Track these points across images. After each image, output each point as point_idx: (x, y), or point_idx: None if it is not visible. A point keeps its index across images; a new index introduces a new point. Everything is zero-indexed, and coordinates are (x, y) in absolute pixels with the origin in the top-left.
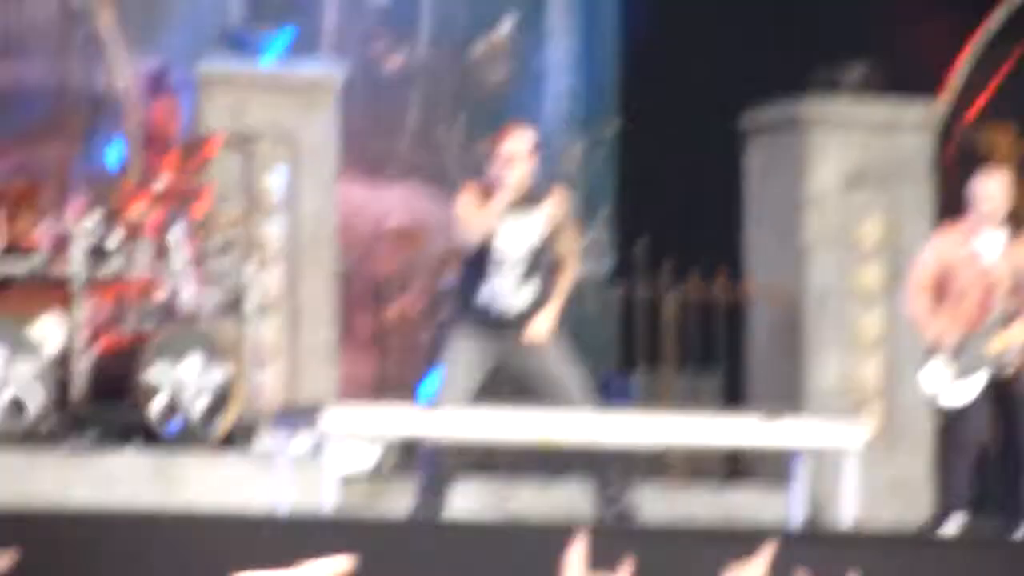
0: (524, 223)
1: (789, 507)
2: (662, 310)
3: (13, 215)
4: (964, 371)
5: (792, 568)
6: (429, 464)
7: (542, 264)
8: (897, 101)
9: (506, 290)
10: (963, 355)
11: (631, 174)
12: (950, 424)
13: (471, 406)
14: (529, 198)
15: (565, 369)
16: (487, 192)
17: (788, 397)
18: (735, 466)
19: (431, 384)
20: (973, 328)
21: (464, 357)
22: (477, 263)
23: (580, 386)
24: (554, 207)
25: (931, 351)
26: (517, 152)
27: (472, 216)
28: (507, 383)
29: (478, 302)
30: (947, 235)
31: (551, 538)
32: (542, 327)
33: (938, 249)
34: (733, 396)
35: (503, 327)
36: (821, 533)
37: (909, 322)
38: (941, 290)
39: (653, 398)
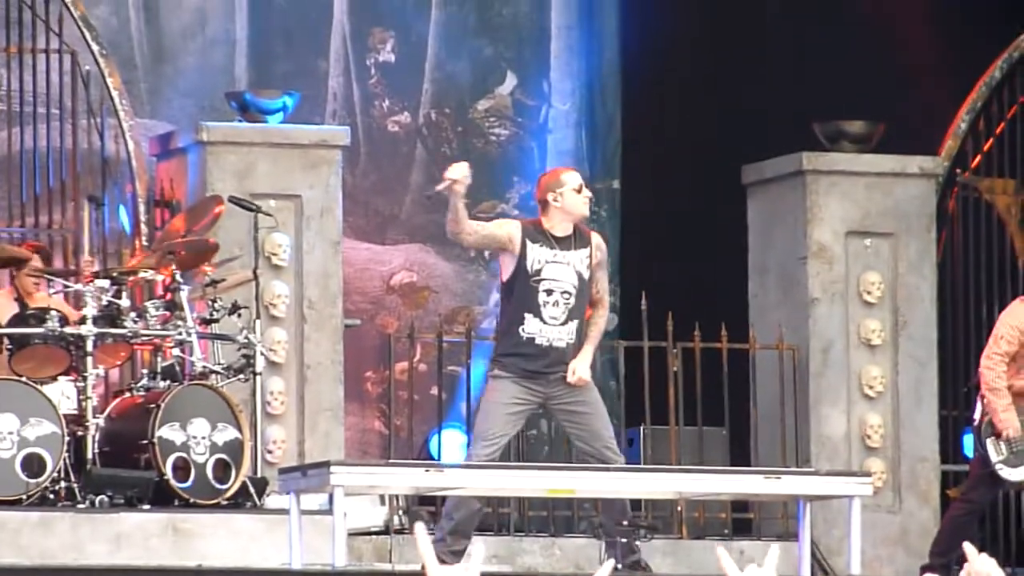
0: (573, 258)
1: (797, 558)
2: (667, 365)
3: (26, 278)
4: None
5: None
6: (452, 511)
7: (584, 302)
8: (899, 154)
9: (556, 322)
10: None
11: (634, 230)
12: (982, 484)
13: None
14: (576, 235)
15: (605, 419)
16: (536, 226)
17: (795, 448)
18: (742, 522)
19: (443, 436)
20: None
21: (505, 408)
22: (523, 295)
23: (613, 438)
24: (597, 247)
25: (995, 432)
26: (584, 186)
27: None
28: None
29: (524, 333)
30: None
31: None
32: (585, 370)
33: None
34: (740, 449)
35: (549, 361)
36: None
37: (986, 389)
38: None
39: (660, 453)
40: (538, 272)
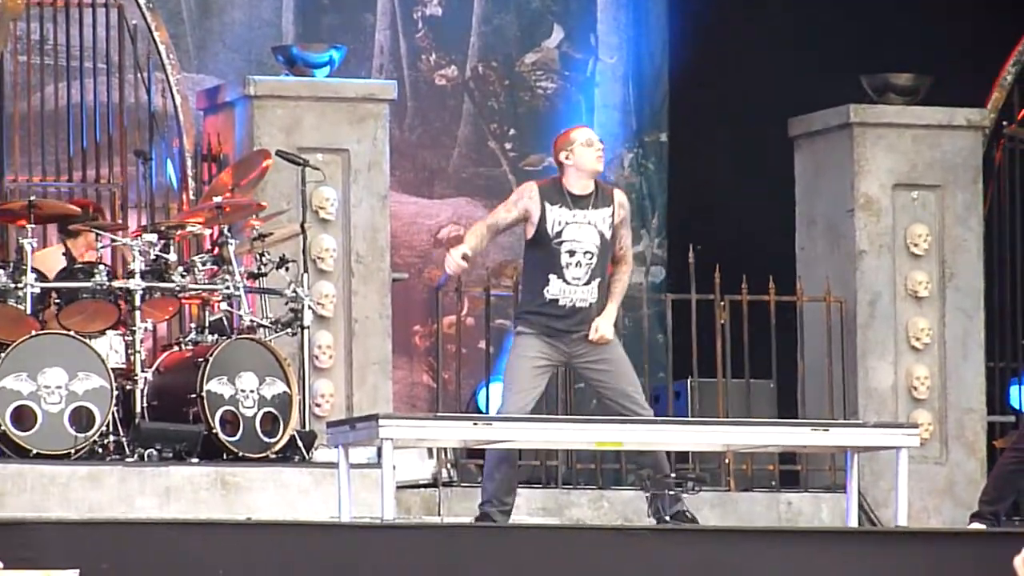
0: (594, 217)
1: (845, 509)
2: (714, 318)
3: (73, 233)
4: None
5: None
6: (494, 471)
7: (607, 261)
8: (945, 106)
9: (579, 282)
10: None
11: (681, 183)
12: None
13: (534, 409)
14: (597, 194)
15: (629, 375)
16: (555, 185)
17: (842, 400)
18: (789, 474)
19: (491, 390)
20: None
21: (531, 361)
22: (545, 256)
23: (640, 392)
24: (620, 205)
25: None
26: (594, 140)
27: (483, 223)
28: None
29: (548, 294)
30: None
31: (611, 540)
32: (608, 328)
33: None
34: (787, 401)
35: (573, 321)
36: (876, 532)
37: None
38: None
39: (708, 405)
40: (559, 234)
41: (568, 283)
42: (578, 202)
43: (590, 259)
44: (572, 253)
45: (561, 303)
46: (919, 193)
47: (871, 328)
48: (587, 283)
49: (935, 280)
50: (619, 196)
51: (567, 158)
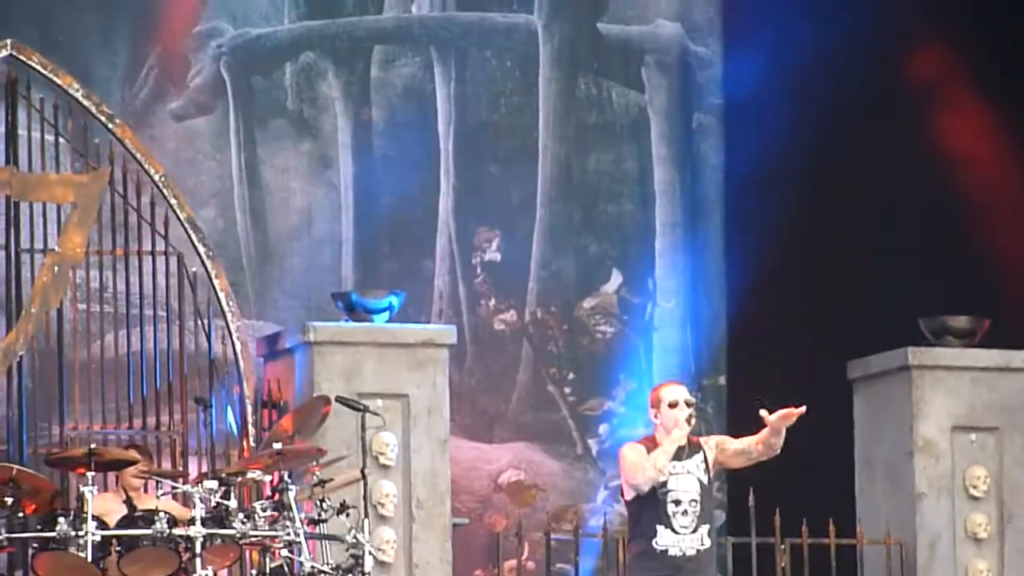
0: (690, 465)
1: None
2: (775, 561)
3: (130, 478)
4: None
5: None
6: None
7: (711, 506)
8: (1003, 348)
9: (687, 530)
10: None
11: (741, 426)
12: None
13: None
14: (687, 445)
15: None
16: (651, 444)
17: None
18: None
19: None
20: None
21: None
22: (652, 509)
23: None
24: (706, 444)
25: None
26: (684, 397)
27: (646, 462)
28: None
29: (658, 545)
30: None
31: None
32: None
33: None
34: None
35: (686, 572)
36: None
37: None
38: None
39: None
40: (664, 484)
41: (676, 532)
42: (674, 455)
43: (695, 506)
44: (678, 503)
45: (671, 553)
46: (977, 435)
47: (931, 571)
48: (695, 530)
49: (994, 522)
50: (702, 440)
51: (655, 416)
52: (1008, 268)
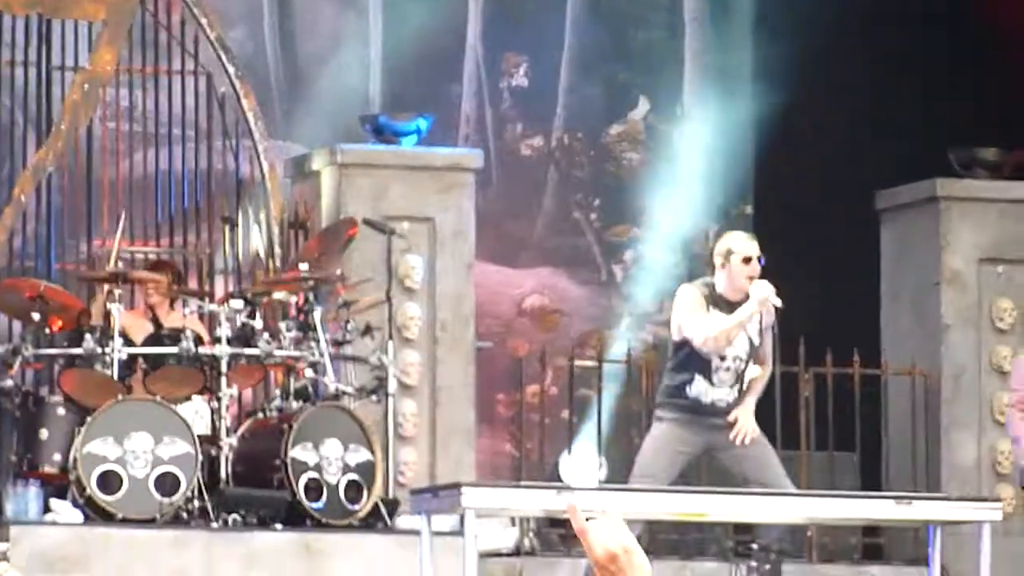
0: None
1: None
2: (798, 389)
3: (160, 300)
4: None
5: None
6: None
7: (752, 365)
8: None
9: (725, 384)
10: None
11: (766, 255)
12: None
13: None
14: (747, 299)
15: (773, 466)
16: (708, 294)
17: (925, 474)
18: (873, 546)
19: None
20: None
21: (671, 447)
22: (697, 357)
23: (786, 480)
24: (767, 311)
25: None
26: (753, 257)
27: (715, 327)
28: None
29: (690, 392)
30: None
31: None
32: (750, 423)
33: None
34: (870, 474)
35: (714, 417)
36: None
37: None
38: None
39: (791, 477)
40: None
41: (714, 384)
42: (733, 308)
43: (739, 364)
44: (723, 358)
45: (703, 400)
46: (1004, 267)
47: (955, 402)
48: (732, 386)
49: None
50: (766, 302)
51: (723, 266)
52: None
